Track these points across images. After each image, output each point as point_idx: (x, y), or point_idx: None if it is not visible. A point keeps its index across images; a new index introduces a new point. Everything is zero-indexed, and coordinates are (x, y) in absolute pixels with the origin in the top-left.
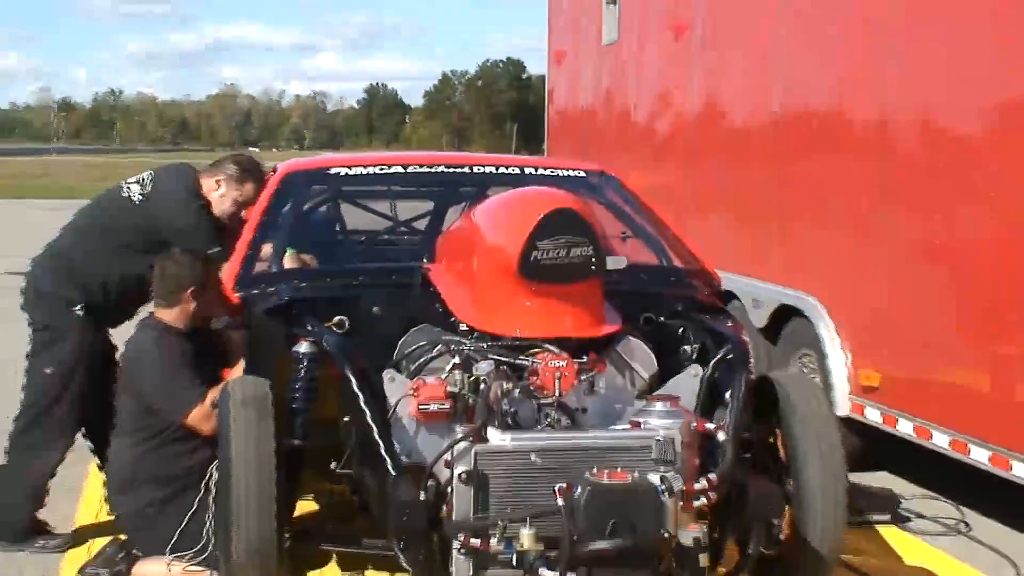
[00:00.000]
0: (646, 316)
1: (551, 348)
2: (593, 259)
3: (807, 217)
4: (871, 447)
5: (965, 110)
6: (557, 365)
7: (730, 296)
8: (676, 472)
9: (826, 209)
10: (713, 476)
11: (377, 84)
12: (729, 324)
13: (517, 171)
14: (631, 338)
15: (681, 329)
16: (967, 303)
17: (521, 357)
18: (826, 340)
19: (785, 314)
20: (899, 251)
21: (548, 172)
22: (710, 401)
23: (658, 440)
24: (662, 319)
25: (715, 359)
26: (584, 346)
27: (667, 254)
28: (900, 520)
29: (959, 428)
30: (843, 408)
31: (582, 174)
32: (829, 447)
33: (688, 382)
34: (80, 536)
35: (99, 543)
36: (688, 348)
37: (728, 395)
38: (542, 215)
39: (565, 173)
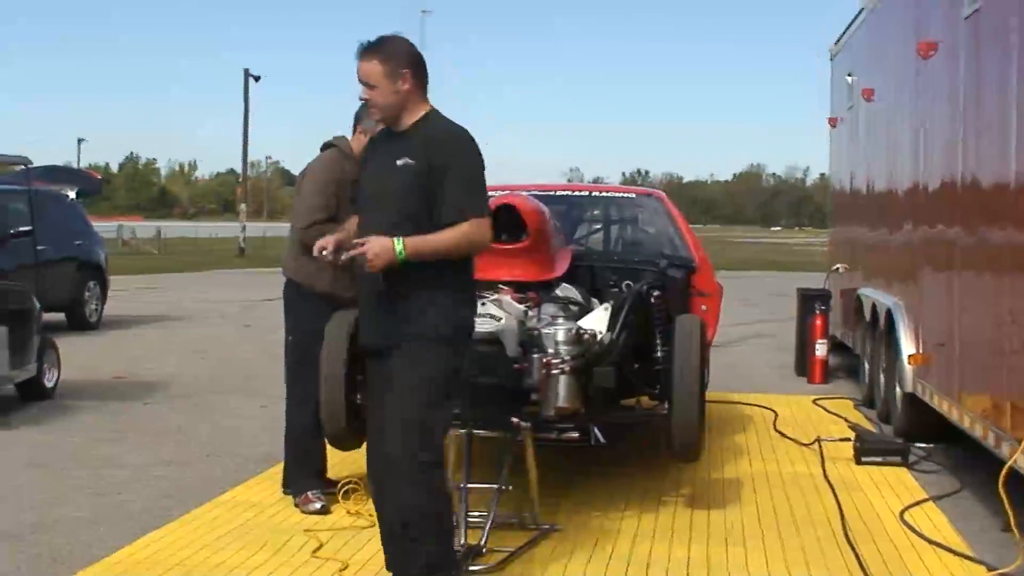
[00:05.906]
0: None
1: (504, 287)
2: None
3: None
4: None
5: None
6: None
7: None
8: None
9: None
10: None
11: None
12: (643, 284)
13: (587, 192)
14: (565, 284)
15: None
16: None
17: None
18: (899, 320)
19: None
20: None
21: (606, 194)
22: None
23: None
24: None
25: (616, 302)
26: (532, 287)
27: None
28: None
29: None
30: (905, 357)
31: (633, 196)
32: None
33: (601, 314)
34: None
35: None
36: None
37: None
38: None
39: (620, 194)
